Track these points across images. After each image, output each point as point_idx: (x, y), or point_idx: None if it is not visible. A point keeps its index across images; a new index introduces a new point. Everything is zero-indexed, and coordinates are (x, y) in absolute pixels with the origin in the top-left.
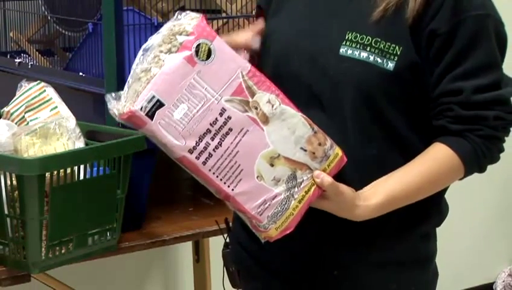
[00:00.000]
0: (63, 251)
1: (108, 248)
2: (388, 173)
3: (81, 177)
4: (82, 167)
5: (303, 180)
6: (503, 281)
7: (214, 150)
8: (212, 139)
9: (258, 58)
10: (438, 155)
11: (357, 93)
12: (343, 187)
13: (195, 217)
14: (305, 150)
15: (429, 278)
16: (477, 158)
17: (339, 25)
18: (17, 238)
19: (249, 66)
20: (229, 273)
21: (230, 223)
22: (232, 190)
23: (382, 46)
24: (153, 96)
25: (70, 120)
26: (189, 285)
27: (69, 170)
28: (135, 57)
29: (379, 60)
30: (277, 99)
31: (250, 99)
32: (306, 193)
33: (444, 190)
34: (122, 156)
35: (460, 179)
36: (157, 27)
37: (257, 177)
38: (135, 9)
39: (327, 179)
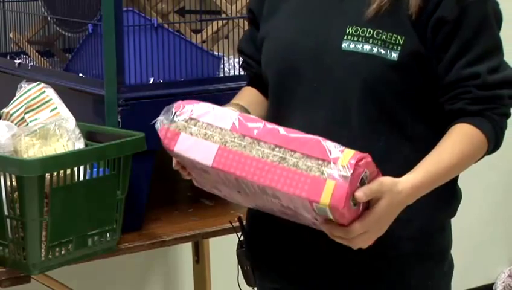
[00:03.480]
0: (62, 252)
1: (108, 248)
2: (396, 165)
3: (81, 178)
4: (82, 167)
5: None
6: (503, 282)
7: None
8: None
9: (256, 63)
10: (466, 133)
11: (362, 86)
12: (381, 178)
13: (195, 218)
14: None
15: (445, 270)
16: (496, 135)
17: (338, 21)
18: (17, 239)
19: None
20: (243, 272)
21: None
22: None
23: (384, 37)
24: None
25: (70, 121)
26: (189, 286)
27: (69, 171)
28: (135, 57)
29: (382, 51)
30: None
31: None
32: None
33: (457, 178)
34: (122, 157)
35: (480, 158)
36: (157, 28)
37: None
38: (135, 10)
39: (359, 194)
